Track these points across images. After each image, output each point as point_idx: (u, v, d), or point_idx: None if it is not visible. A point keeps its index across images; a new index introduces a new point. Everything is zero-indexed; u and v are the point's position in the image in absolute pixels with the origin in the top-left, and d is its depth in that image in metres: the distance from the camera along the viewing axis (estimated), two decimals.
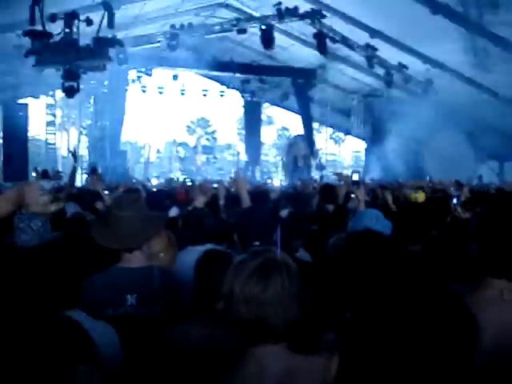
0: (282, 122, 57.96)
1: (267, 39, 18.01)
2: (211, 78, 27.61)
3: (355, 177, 5.90)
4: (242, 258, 1.89)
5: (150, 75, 23.46)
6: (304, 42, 20.34)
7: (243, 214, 4.10)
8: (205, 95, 26.83)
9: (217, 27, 19.83)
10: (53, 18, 13.43)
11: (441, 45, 16.09)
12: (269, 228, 3.26)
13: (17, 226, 3.84)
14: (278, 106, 32.21)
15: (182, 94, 26.12)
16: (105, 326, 2.48)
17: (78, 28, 14.13)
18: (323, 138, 28.28)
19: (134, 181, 21.55)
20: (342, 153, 49.25)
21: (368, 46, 18.35)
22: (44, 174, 12.56)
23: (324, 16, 17.10)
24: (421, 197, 7.67)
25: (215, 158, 31.88)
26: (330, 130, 32.32)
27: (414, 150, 22.44)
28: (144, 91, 25.13)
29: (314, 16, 17.16)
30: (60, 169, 32.29)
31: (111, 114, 21.87)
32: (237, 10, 20.56)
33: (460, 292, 1.49)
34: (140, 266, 3.14)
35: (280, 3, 17.18)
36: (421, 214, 4.33)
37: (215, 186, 7.55)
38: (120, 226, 3.06)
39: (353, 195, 6.08)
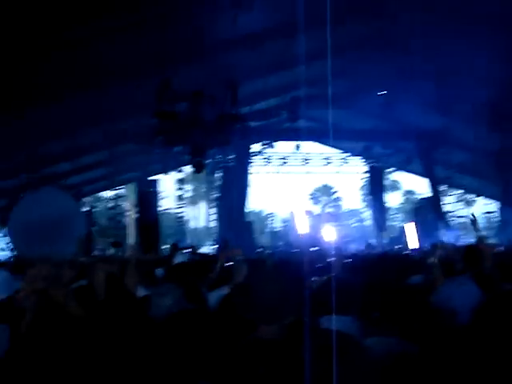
0: (407, 185, 56.98)
1: (387, 104, 17.96)
2: (333, 145, 27.84)
3: None
4: None
5: (273, 147, 23.98)
6: (427, 104, 20.03)
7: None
8: (327, 163, 27.01)
9: (336, 96, 20.04)
10: (180, 98, 14.21)
11: None
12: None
13: (151, 299, 3.85)
14: (402, 170, 31.70)
15: (305, 163, 26.48)
16: None
17: (203, 106, 14.83)
18: (452, 200, 27.36)
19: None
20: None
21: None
22: (175, 247, 13.06)
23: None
24: None
25: (341, 225, 31.68)
26: (459, 191, 31.31)
27: None
28: (268, 163, 25.71)
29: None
30: (189, 240, 33.53)
31: (237, 187, 22.45)
32: (354, 77, 20.73)
33: None
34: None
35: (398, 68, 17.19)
36: None
37: None
38: (265, 298, 2.79)
39: None
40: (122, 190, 24.06)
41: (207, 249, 25.68)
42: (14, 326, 3.06)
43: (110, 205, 23.74)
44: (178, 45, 12.92)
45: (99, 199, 40.56)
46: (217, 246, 22.05)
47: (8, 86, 12.59)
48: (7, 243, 19.43)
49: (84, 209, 21.48)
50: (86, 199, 27.61)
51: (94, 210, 25.82)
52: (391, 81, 17.85)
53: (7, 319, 3.25)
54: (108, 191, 24.46)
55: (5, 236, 19.65)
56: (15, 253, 18.25)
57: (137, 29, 12.37)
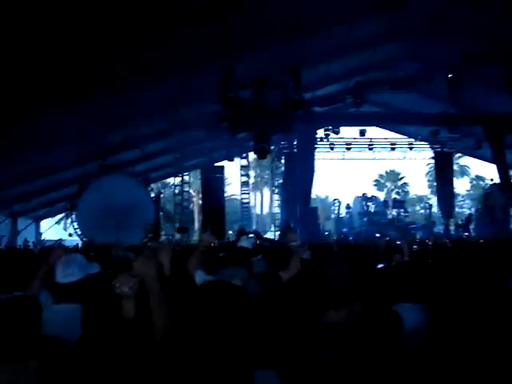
0: (476, 171, 55.54)
1: (454, 87, 17.51)
2: (398, 130, 27.37)
3: None
4: None
5: (338, 132, 23.68)
6: (496, 87, 19.45)
7: None
8: (393, 149, 26.54)
9: (402, 80, 19.68)
10: (244, 84, 14.29)
11: None
12: None
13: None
14: (471, 155, 30.91)
15: (370, 148, 26.14)
16: None
17: (266, 92, 14.86)
18: None
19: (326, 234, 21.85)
20: None
21: None
22: (241, 232, 13.18)
23: None
24: None
25: (406, 211, 31.13)
26: None
27: None
28: (332, 148, 25.50)
29: (503, 59, 16.36)
30: (254, 226, 33.79)
31: (301, 173, 22.38)
32: (421, 60, 20.35)
33: None
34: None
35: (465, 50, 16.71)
36: None
37: None
38: (333, 282, 2.79)
39: None
40: (187, 177, 24.48)
41: (271, 234, 25.81)
42: (87, 306, 3.21)
43: (176, 191, 24.18)
44: (241, 31, 12.98)
45: (166, 185, 41.39)
46: (280, 231, 22.14)
47: (76, 76, 12.95)
48: (75, 229, 20.07)
49: (152, 195, 21.94)
50: (154, 185, 28.25)
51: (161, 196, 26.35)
52: (459, 64, 17.35)
53: (81, 300, 3.41)
54: (174, 177, 24.91)
55: (74, 222, 20.29)
56: (82, 238, 18.89)
57: (201, 16, 12.49)
